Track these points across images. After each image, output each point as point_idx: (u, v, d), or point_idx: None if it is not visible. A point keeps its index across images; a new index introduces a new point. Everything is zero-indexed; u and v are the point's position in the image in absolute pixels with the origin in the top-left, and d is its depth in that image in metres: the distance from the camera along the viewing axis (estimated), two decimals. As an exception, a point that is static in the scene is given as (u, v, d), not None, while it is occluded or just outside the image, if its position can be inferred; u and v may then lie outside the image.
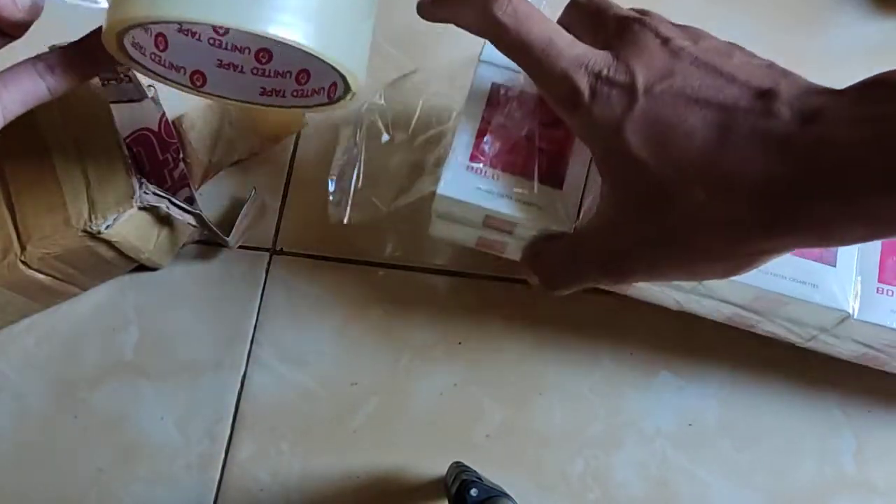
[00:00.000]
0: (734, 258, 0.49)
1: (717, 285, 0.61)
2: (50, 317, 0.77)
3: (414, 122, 0.77)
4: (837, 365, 0.70)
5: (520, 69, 0.53)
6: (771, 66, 0.49)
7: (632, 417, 0.70)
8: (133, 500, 0.71)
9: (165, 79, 0.54)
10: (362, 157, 0.75)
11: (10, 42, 0.51)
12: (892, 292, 0.59)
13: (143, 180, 0.67)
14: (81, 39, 0.53)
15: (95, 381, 0.74)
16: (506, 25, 0.50)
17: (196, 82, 0.55)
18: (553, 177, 0.59)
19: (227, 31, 0.55)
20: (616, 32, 0.51)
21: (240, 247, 0.77)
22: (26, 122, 0.70)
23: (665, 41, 0.50)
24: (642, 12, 0.53)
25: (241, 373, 0.74)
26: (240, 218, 0.75)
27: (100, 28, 0.49)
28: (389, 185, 0.76)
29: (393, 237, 0.77)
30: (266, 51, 0.55)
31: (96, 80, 0.72)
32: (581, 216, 0.59)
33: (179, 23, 0.52)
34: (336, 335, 0.75)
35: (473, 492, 0.57)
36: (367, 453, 0.71)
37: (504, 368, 0.72)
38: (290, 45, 0.45)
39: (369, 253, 0.77)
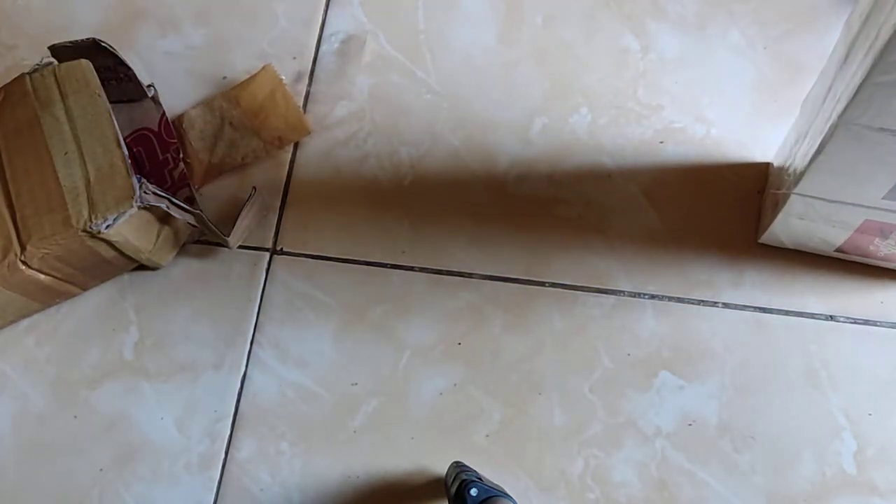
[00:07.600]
0: None
1: None
2: (50, 317, 0.77)
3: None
4: (839, 366, 0.70)
5: None
6: None
7: (632, 417, 0.70)
8: (134, 499, 0.71)
9: None
10: None
11: None
12: None
13: (143, 180, 0.67)
14: None
15: (95, 381, 0.74)
16: None
17: None
18: None
19: None
20: None
21: (240, 247, 0.77)
22: (28, 123, 0.70)
23: None
24: None
25: (241, 373, 0.74)
26: (240, 218, 0.75)
27: None
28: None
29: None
30: None
31: (97, 80, 0.72)
32: None
33: None
34: (336, 335, 0.75)
35: (473, 492, 0.57)
36: (367, 453, 0.71)
37: (504, 368, 0.72)
38: None
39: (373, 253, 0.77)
